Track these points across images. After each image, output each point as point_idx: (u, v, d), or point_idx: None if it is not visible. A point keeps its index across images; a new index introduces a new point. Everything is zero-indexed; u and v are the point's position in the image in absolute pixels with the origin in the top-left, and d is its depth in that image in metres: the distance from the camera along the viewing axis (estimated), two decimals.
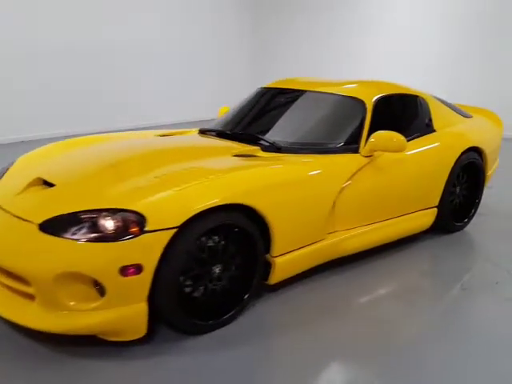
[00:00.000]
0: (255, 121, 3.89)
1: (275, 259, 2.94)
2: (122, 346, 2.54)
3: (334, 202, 3.25)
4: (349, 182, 3.31)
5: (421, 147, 3.83)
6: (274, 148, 3.39)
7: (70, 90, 8.13)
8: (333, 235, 3.31)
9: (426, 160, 3.81)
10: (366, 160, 3.45)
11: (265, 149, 3.39)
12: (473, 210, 4.36)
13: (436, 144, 3.94)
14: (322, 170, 3.19)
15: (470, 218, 4.36)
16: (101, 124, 8.35)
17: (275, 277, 2.99)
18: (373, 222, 3.56)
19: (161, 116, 9.66)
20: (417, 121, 3.98)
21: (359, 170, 3.39)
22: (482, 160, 4.36)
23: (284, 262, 2.98)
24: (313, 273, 3.32)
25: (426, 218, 3.95)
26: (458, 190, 4.25)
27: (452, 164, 3.96)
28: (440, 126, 4.13)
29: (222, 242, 2.70)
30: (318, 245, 3.19)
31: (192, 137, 3.83)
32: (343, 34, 10.33)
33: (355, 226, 3.46)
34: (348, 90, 3.84)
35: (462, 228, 4.30)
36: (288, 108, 3.91)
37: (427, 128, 4.04)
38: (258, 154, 3.33)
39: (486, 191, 5.27)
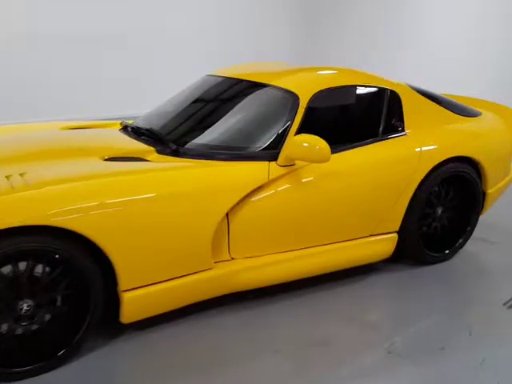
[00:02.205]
0: (177, 115, 3.21)
1: (124, 294, 2.31)
2: None
3: (229, 223, 2.56)
4: (252, 197, 2.59)
5: (371, 155, 2.97)
6: (169, 151, 2.75)
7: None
8: (226, 264, 2.61)
9: (376, 172, 2.95)
10: (282, 170, 2.69)
11: (160, 151, 2.76)
12: (460, 240, 3.40)
13: (399, 151, 3.06)
14: (203, 182, 2.50)
15: (455, 250, 3.40)
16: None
17: (127, 315, 2.36)
18: (293, 248, 2.80)
19: None
20: (376, 120, 3.10)
21: (270, 182, 2.65)
22: (480, 173, 3.39)
23: (139, 298, 2.34)
24: (195, 309, 2.64)
25: (380, 246, 3.08)
26: (439, 211, 3.32)
27: (420, 178, 3.05)
28: (416, 126, 3.21)
29: (33, 272, 2.13)
30: (199, 276, 2.51)
31: (91, 132, 3.26)
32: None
33: (264, 253, 2.72)
34: (285, 80, 3.06)
35: (442, 260, 3.36)
36: (216, 101, 3.23)
37: (393, 130, 3.14)
38: (149, 158, 2.70)
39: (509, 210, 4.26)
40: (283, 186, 2.68)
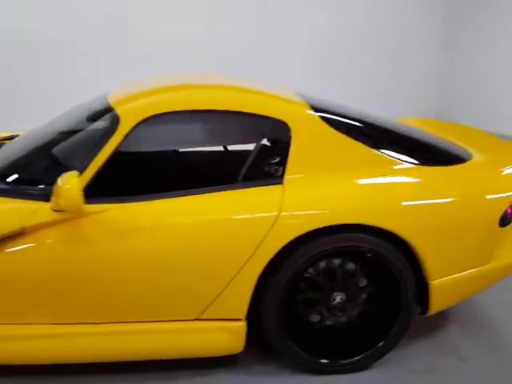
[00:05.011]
0: (28, 136, 2.71)
1: None
2: None
3: None
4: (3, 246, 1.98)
5: (199, 211, 2.09)
6: None
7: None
8: None
9: (195, 236, 2.05)
10: (54, 216, 2.02)
11: None
12: (364, 354, 2.29)
13: (245, 208, 2.12)
14: None
15: (357, 364, 2.29)
16: None
17: None
18: (72, 322, 2.10)
19: None
20: (237, 161, 2.22)
21: (31, 229, 2.00)
22: (416, 255, 2.24)
23: None
24: None
25: (216, 336, 2.16)
26: (337, 298, 2.28)
27: (275, 250, 2.06)
28: (307, 174, 2.23)
29: None
30: None
31: None
32: None
33: (23, 321, 2.07)
34: (132, 103, 2.36)
35: (332, 371, 2.29)
36: (69, 125, 2.59)
37: (268, 175, 2.21)
38: None
39: None
40: (48, 238, 2.01)
